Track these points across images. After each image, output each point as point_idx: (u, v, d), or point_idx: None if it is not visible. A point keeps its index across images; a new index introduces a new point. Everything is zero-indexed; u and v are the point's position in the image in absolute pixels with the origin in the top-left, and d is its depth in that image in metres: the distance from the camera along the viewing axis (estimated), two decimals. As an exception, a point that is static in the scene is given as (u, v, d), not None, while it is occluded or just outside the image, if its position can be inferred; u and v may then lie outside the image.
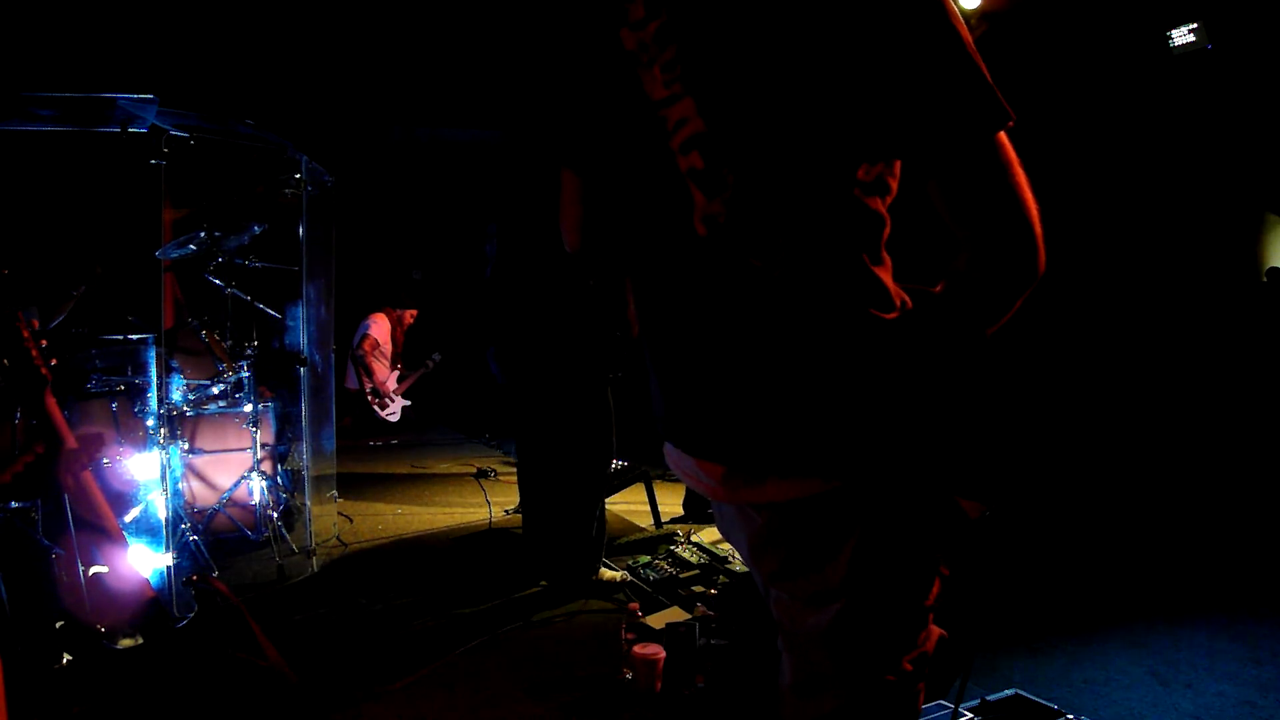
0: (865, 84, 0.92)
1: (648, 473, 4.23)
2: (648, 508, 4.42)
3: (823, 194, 0.99)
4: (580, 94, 1.19)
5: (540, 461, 3.48)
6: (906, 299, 1.06)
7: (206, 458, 4.06)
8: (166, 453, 3.43)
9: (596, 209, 1.28)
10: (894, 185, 1.04)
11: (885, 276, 1.05)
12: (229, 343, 4.04)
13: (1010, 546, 3.96)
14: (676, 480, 5.62)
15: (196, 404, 3.88)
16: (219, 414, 3.99)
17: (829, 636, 1.10)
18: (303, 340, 4.08)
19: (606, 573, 3.47)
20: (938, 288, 1.04)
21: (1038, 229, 0.94)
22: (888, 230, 1.05)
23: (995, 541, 3.88)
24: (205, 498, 4.06)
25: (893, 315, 1.03)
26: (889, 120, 0.93)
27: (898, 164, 1.04)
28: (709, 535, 4.13)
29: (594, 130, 1.19)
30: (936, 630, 1.14)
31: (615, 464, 4.20)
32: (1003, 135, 0.92)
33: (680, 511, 4.63)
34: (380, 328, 7.20)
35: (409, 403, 7.44)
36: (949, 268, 1.01)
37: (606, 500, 3.72)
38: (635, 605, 2.76)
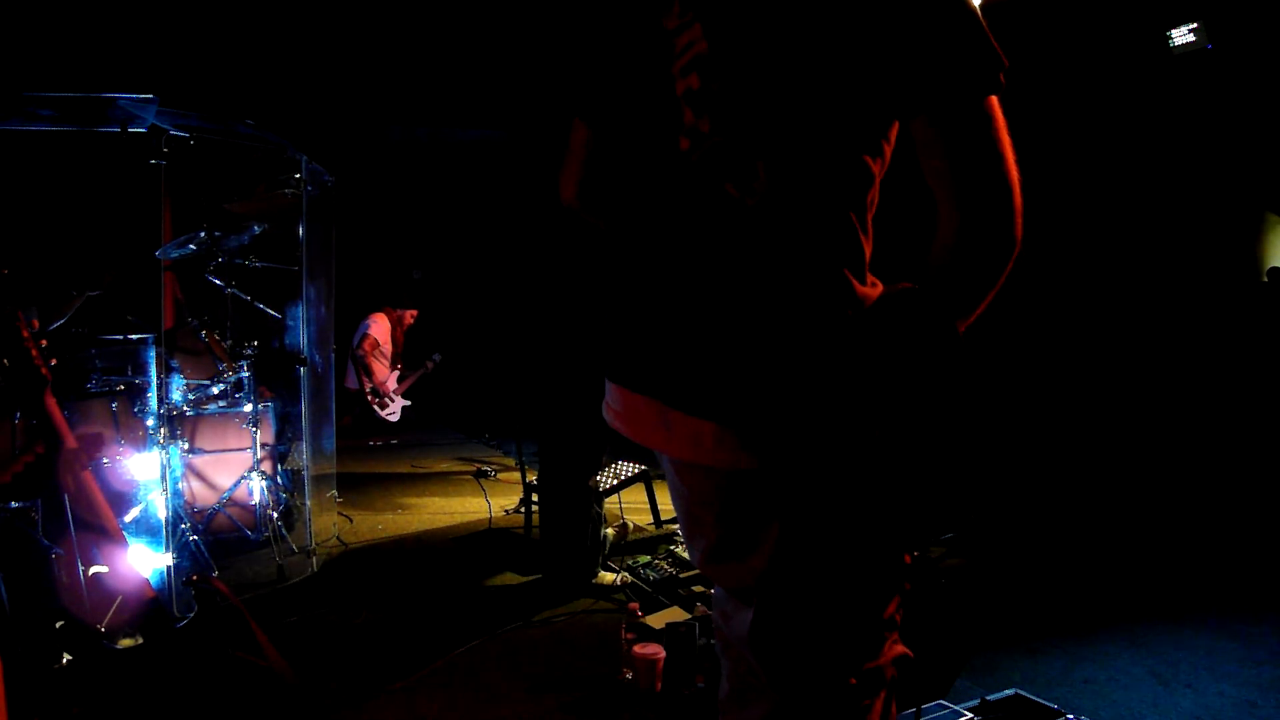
0: (869, 24, 0.92)
1: (648, 473, 4.23)
2: (648, 508, 4.42)
3: (811, 131, 0.97)
4: (599, 41, 1.20)
5: (550, 467, 3.50)
6: (879, 284, 1.03)
7: (206, 458, 4.06)
8: (166, 453, 3.42)
9: (597, 157, 1.26)
10: (887, 149, 1.02)
11: (866, 245, 1.01)
12: (229, 343, 4.03)
13: (1010, 547, 3.96)
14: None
15: (196, 404, 3.88)
16: (219, 414, 3.99)
17: (754, 636, 1.05)
18: (303, 340, 4.08)
19: (606, 575, 3.48)
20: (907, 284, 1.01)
21: (1018, 195, 0.93)
22: (875, 195, 1.02)
23: (989, 546, 3.88)
24: (205, 498, 4.05)
25: (867, 286, 1.00)
26: (891, 64, 0.93)
27: (895, 128, 1.02)
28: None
29: (608, 71, 1.19)
30: (898, 648, 1.07)
31: (617, 465, 4.21)
32: (994, 98, 0.92)
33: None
34: (380, 328, 7.20)
35: (409, 402, 7.44)
36: (929, 252, 0.98)
37: (606, 500, 3.72)
38: (635, 605, 2.76)
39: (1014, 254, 0.93)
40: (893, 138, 1.02)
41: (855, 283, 0.99)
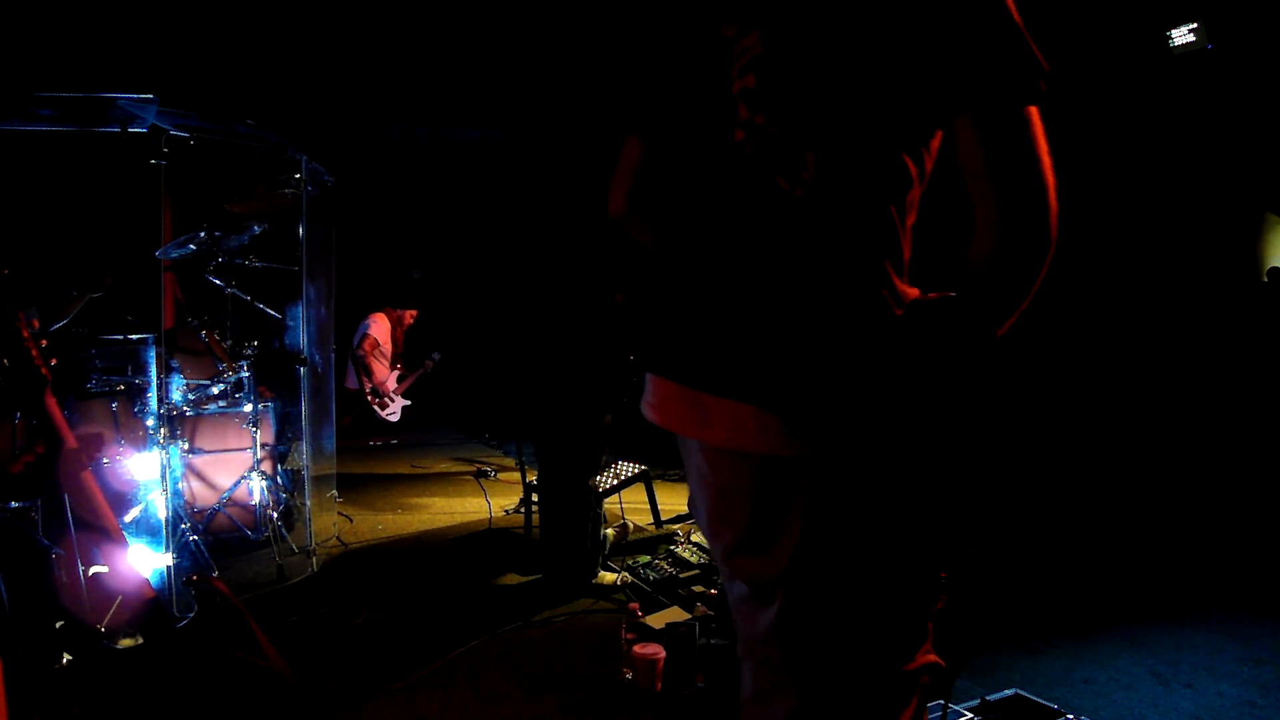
0: (917, 32, 0.98)
1: (648, 473, 4.23)
2: (648, 508, 4.42)
3: (859, 126, 1.02)
4: (659, 50, 1.25)
5: (550, 467, 3.50)
6: (915, 290, 1.06)
7: (206, 458, 4.06)
8: (166, 453, 3.42)
9: (649, 166, 1.30)
10: (928, 160, 1.06)
11: (905, 245, 1.05)
12: (229, 343, 4.03)
13: (1010, 546, 3.96)
14: (676, 480, 5.63)
15: (196, 404, 3.88)
16: (219, 414, 3.99)
17: (779, 632, 1.05)
18: (303, 340, 4.08)
19: (606, 575, 3.48)
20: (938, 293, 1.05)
21: (1054, 198, 0.96)
22: (915, 198, 1.06)
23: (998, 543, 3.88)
24: (205, 498, 4.05)
25: (905, 283, 1.04)
26: (936, 69, 0.98)
27: (937, 139, 1.06)
28: (709, 535, 4.13)
29: (667, 76, 1.24)
30: (930, 656, 1.07)
31: (617, 465, 4.21)
32: (1034, 108, 0.97)
33: (681, 511, 4.63)
34: (380, 328, 7.20)
35: (409, 402, 7.44)
36: (966, 257, 1.01)
37: (606, 500, 3.72)
38: (635, 605, 2.76)
39: (1049, 254, 0.97)
40: (934, 149, 1.07)
41: (894, 276, 1.03)
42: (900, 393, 0.99)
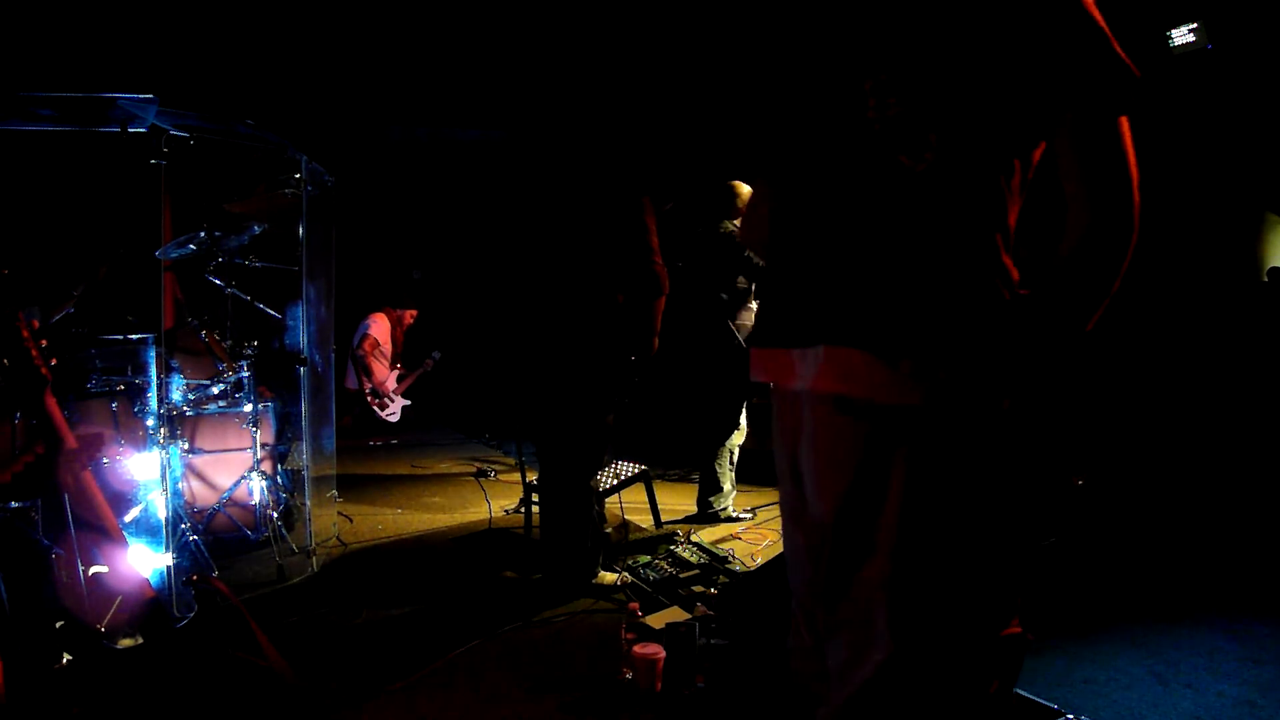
0: (1030, 44, 1.12)
1: (648, 473, 4.23)
2: (648, 508, 4.42)
3: (976, 118, 1.15)
4: (804, 97, 1.34)
5: (551, 467, 3.49)
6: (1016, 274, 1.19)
7: (206, 458, 4.06)
8: (166, 453, 3.42)
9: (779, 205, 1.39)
10: (1033, 158, 1.20)
11: (1011, 223, 1.18)
12: (229, 343, 4.03)
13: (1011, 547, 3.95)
14: (676, 480, 5.63)
15: (196, 404, 3.88)
16: (219, 414, 3.99)
17: (891, 584, 1.13)
18: (303, 340, 4.08)
19: (606, 575, 3.48)
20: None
21: (1137, 197, 1.11)
22: (1019, 190, 1.20)
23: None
24: (205, 498, 4.05)
25: (1010, 258, 1.17)
26: (1043, 79, 1.12)
27: (1040, 149, 1.20)
28: (709, 535, 4.13)
29: (803, 113, 1.34)
30: (1019, 628, 1.15)
31: (617, 465, 4.21)
32: (1125, 118, 1.11)
33: (680, 511, 4.63)
34: (380, 328, 7.20)
35: (409, 402, 7.44)
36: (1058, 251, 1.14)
37: (606, 500, 3.72)
38: (635, 605, 2.76)
39: (1131, 246, 1.12)
40: (1035, 157, 1.20)
41: (1002, 249, 1.17)
42: (1000, 363, 1.11)
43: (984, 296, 1.13)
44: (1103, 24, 1.12)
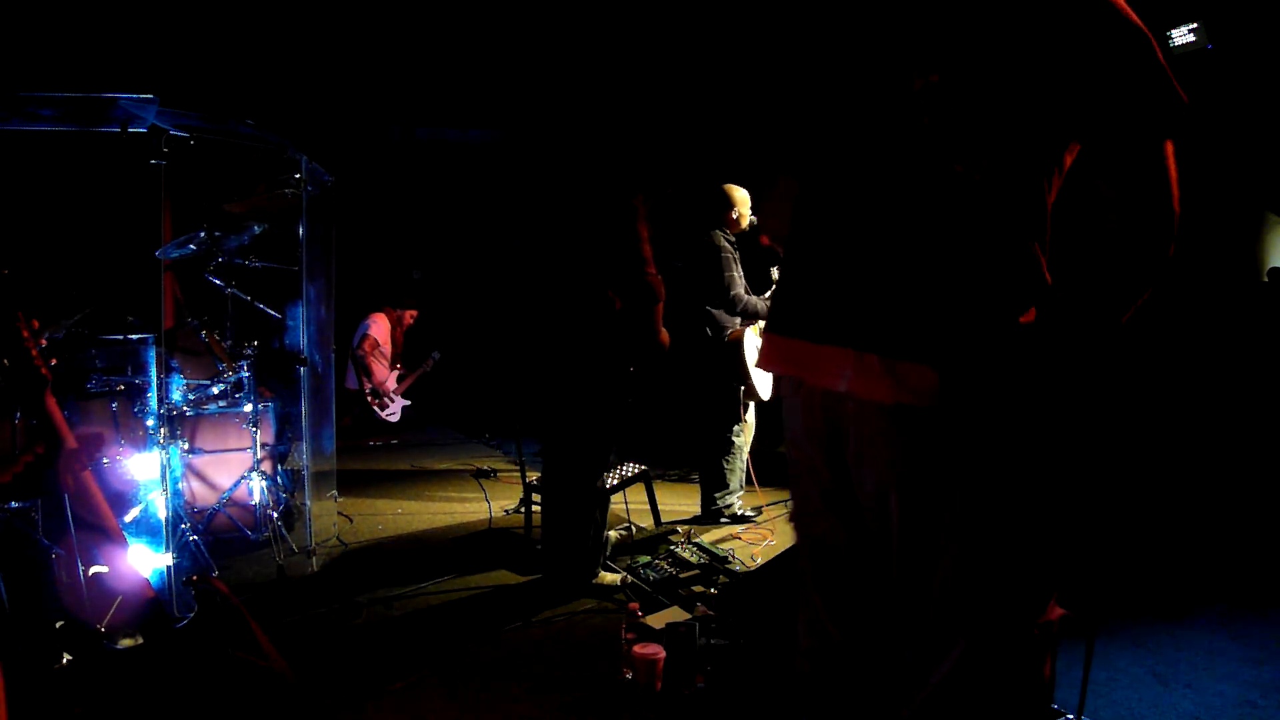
0: (1078, 67, 1.16)
1: (648, 473, 4.23)
2: (648, 508, 4.42)
3: (1020, 135, 1.18)
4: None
5: (554, 466, 3.49)
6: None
7: (206, 458, 4.06)
8: (166, 453, 3.42)
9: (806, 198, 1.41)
10: (1061, 169, 1.23)
11: (1047, 235, 1.22)
12: (229, 343, 4.03)
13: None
14: (676, 480, 5.63)
15: (196, 404, 3.88)
16: (219, 414, 3.99)
17: (958, 581, 1.19)
18: (303, 340, 4.08)
19: (606, 575, 3.48)
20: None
21: (1178, 204, 1.21)
22: (1054, 198, 1.23)
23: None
24: (205, 498, 4.05)
25: (1046, 267, 1.21)
26: (1091, 100, 1.17)
27: (1074, 152, 1.22)
28: (709, 535, 4.13)
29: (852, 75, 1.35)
30: (1059, 610, 1.25)
31: (620, 465, 4.21)
32: (1170, 142, 1.19)
33: (680, 511, 4.63)
34: (380, 328, 7.20)
35: (409, 402, 7.44)
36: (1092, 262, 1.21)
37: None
38: (635, 605, 2.76)
39: (1169, 253, 1.21)
40: (1068, 162, 1.23)
41: (1042, 257, 1.20)
42: (1034, 368, 1.16)
43: (1027, 307, 1.18)
44: (1157, 49, 1.17)
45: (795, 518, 1.44)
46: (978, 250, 1.17)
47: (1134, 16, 1.17)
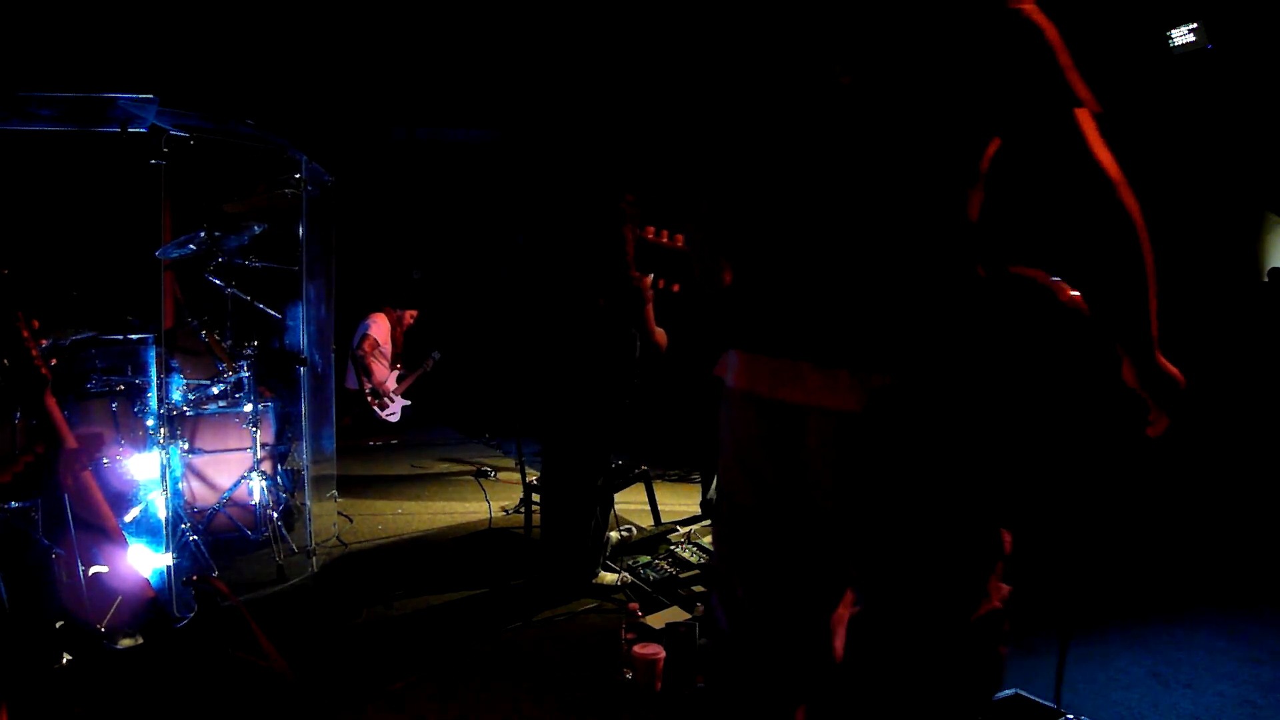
0: (978, 72, 1.16)
1: (648, 473, 4.22)
2: (648, 508, 4.42)
3: (935, 132, 1.19)
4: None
5: (554, 466, 3.49)
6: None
7: (206, 458, 4.06)
8: (166, 453, 3.42)
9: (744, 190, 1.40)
10: (984, 161, 1.24)
11: (974, 234, 1.23)
12: (229, 343, 4.03)
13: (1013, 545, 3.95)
14: (676, 480, 5.63)
15: (196, 404, 3.88)
16: (219, 414, 3.99)
17: (894, 569, 1.22)
18: (303, 340, 4.08)
19: (606, 575, 3.47)
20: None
21: (1110, 165, 1.21)
22: (979, 196, 1.24)
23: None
24: (205, 498, 4.05)
25: (978, 267, 1.23)
26: (998, 98, 1.17)
27: (993, 146, 1.23)
28: (709, 535, 4.13)
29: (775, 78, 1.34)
30: (1005, 588, 1.26)
31: (618, 465, 4.20)
32: (1081, 112, 1.18)
33: (680, 511, 4.63)
34: (380, 328, 7.20)
35: (409, 402, 7.44)
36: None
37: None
38: (635, 605, 2.77)
39: (1133, 224, 1.23)
40: (988, 155, 1.23)
41: (970, 258, 1.23)
42: (973, 363, 1.19)
43: (969, 305, 1.22)
44: (1045, 27, 1.16)
45: (724, 510, 1.46)
46: (915, 263, 1.20)
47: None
